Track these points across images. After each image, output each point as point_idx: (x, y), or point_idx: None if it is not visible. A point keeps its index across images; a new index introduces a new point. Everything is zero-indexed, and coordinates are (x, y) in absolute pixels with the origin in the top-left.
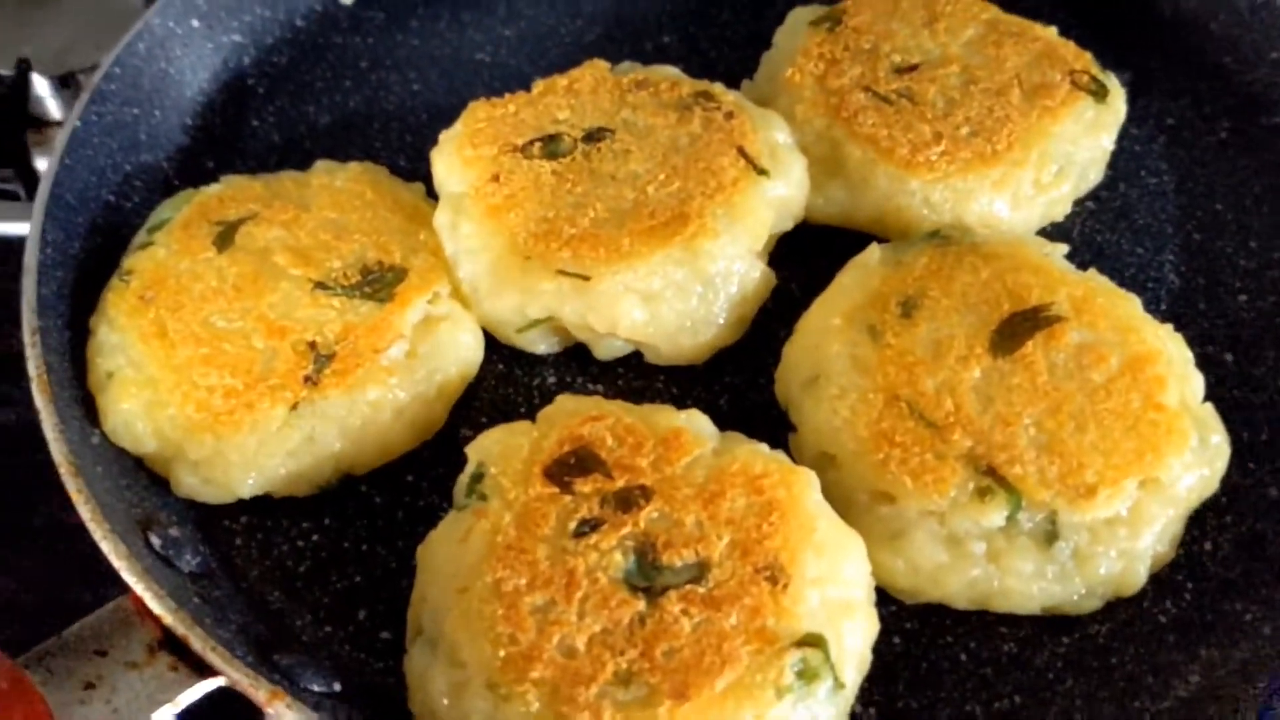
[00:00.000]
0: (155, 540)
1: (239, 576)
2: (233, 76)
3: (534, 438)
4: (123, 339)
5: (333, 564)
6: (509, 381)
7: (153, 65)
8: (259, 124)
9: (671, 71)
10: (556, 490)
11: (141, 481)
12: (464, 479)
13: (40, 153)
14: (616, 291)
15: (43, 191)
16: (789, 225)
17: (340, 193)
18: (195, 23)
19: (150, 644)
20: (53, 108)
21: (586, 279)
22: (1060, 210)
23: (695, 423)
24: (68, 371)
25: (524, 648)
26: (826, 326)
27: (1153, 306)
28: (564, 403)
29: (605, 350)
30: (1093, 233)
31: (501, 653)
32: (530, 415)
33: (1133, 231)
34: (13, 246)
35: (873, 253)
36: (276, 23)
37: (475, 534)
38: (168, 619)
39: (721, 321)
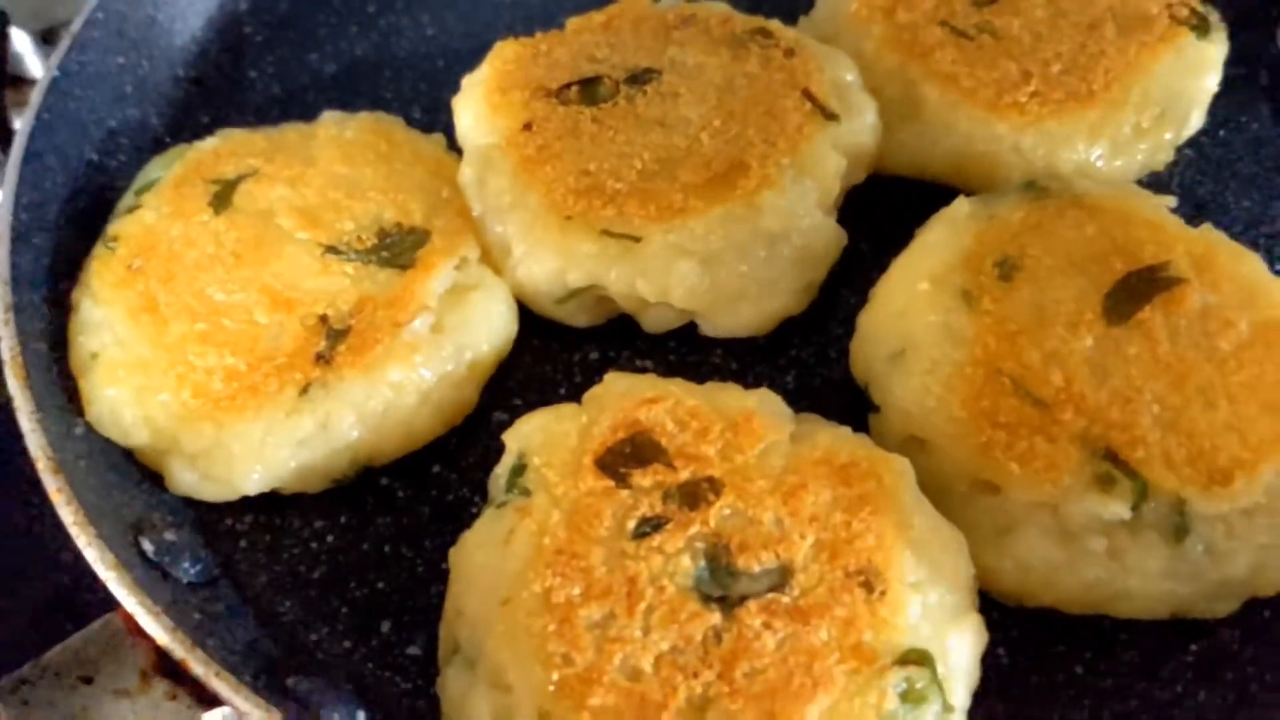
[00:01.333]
0: (148, 546)
1: (244, 585)
2: (228, 22)
3: (582, 423)
4: (108, 314)
5: (351, 569)
6: (546, 357)
7: (140, 10)
8: (257, 74)
9: (720, 6)
10: (611, 484)
11: (132, 478)
12: (503, 471)
13: (20, 113)
14: (669, 254)
15: (17, 148)
16: (860, 176)
17: (351, 145)
18: None
19: (144, 668)
20: (33, 65)
21: (636, 240)
22: (1162, 158)
23: (767, 404)
24: (47, 353)
25: (581, 669)
26: (912, 291)
27: (1268, 264)
28: (614, 382)
29: (655, 321)
30: (1193, 184)
31: (555, 675)
32: (572, 396)
33: (1238, 181)
34: None
35: (960, 206)
36: None
37: (518, 535)
38: (163, 639)
39: (787, 286)
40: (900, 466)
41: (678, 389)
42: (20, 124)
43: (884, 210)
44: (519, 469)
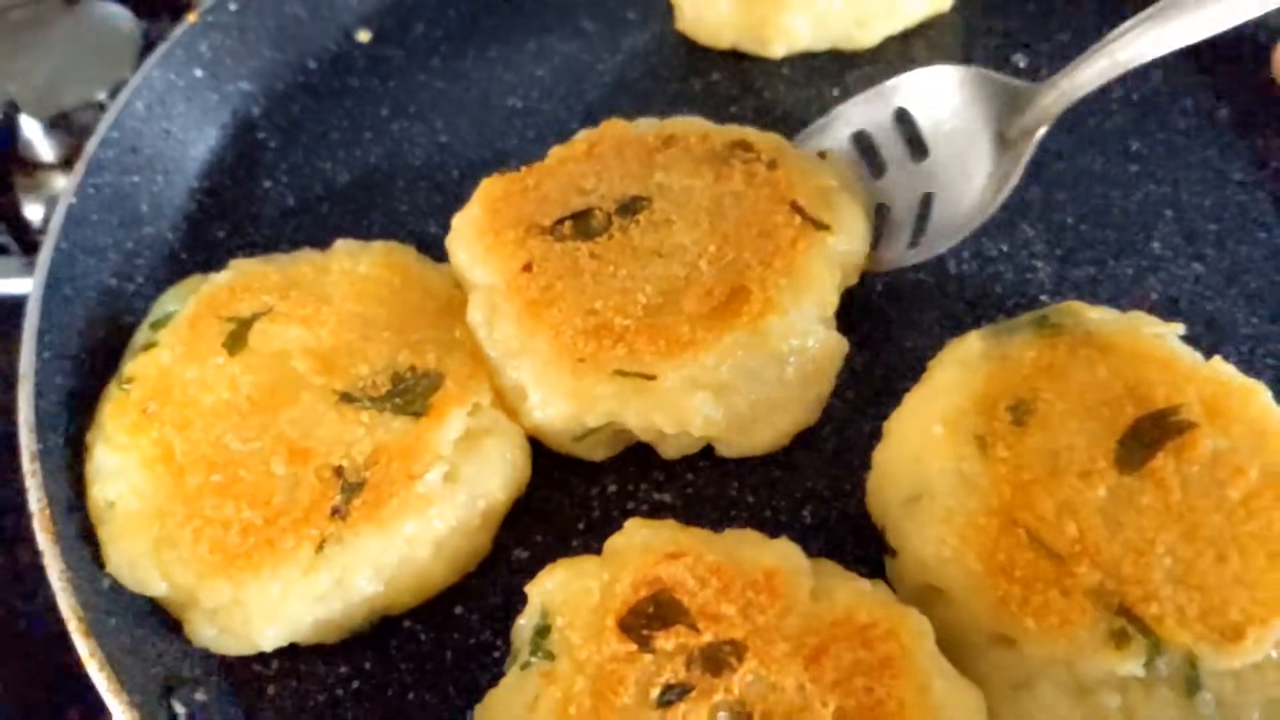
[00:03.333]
0: (180, 709)
1: None
2: (241, 129)
3: (604, 580)
4: (123, 461)
5: (376, 717)
6: (563, 490)
7: (154, 125)
8: (272, 184)
9: (698, 123)
10: (634, 647)
11: (159, 630)
12: (527, 629)
13: (30, 199)
14: (684, 388)
15: (37, 283)
16: (854, 279)
17: (365, 280)
18: (199, 72)
19: None
20: (43, 149)
21: (650, 378)
22: None
23: (787, 558)
24: (71, 501)
25: None
26: (927, 435)
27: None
28: (634, 532)
29: (673, 449)
30: (1202, 300)
31: None
32: (590, 531)
33: (1245, 297)
34: (3, 307)
35: (973, 344)
36: (287, 66)
37: (543, 702)
38: None
39: (799, 402)
40: (919, 627)
41: (698, 542)
42: (39, 256)
43: (892, 329)
44: (542, 630)
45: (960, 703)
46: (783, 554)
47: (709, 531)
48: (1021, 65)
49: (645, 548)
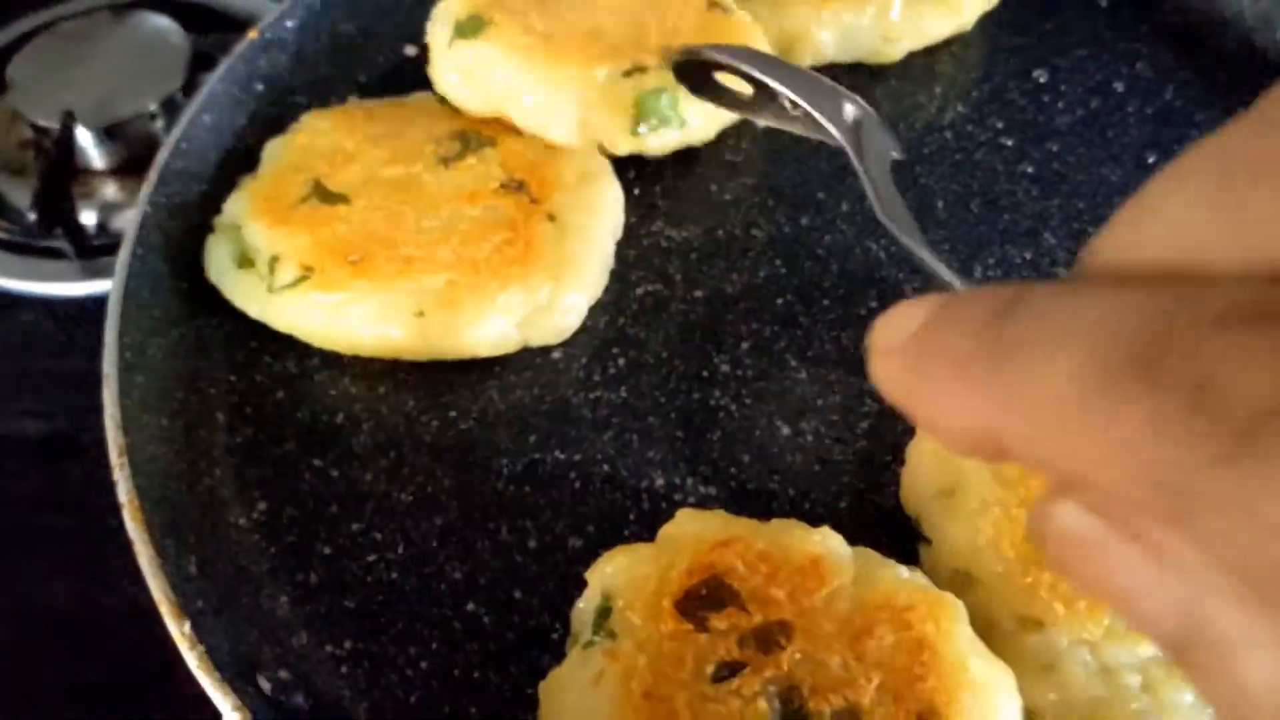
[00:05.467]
0: (265, 685)
1: (349, 714)
2: None
3: (660, 565)
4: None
5: (444, 695)
6: (613, 483)
7: (219, 136)
8: None
9: None
10: (691, 627)
11: (241, 614)
12: (589, 611)
13: (85, 205)
14: None
15: (116, 286)
16: None
17: None
18: (259, 86)
19: None
20: (95, 157)
21: None
22: None
23: (830, 545)
24: (159, 491)
25: None
26: None
27: None
28: (686, 521)
29: None
30: None
31: None
32: (641, 522)
33: None
34: (60, 310)
35: None
36: (340, 81)
37: (607, 678)
38: None
39: None
40: (955, 610)
41: (745, 530)
42: (118, 260)
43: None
44: (604, 611)
45: (994, 680)
46: (826, 542)
47: (756, 521)
48: (1043, 80)
49: (697, 536)
